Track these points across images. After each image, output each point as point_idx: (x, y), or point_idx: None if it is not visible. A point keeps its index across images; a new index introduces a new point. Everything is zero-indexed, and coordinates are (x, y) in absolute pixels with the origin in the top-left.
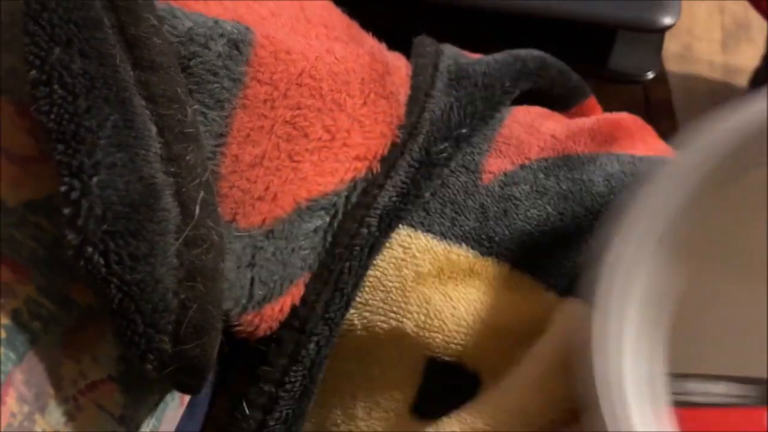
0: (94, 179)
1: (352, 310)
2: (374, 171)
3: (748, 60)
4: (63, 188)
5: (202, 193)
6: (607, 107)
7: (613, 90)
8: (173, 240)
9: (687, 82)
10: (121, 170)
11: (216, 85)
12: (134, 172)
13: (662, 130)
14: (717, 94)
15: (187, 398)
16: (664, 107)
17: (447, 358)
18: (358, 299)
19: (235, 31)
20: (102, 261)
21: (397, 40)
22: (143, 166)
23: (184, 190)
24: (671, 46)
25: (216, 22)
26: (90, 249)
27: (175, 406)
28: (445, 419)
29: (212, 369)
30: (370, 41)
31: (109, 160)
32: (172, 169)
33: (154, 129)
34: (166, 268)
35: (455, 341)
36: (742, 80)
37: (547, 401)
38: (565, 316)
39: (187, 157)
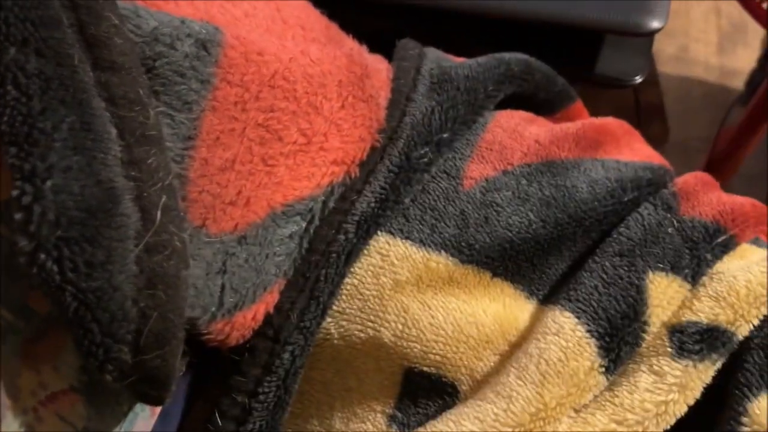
0: (48, 183)
1: (328, 319)
2: (353, 176)
3: (744, 62)
4: (15, 192)
5: (164, 198)
6: (598, 111)
7: (604, 94)
8: (133, 246)
9: (682, 84)
10: (78, 174)
11: (183, 86)
12: (91, 176)
13: (653, 134)
14: (712, 97)
15: (157, 408)
16: (655, 110)
17: (425, 369)
18: (334, 308)
19: (204, 31)
20: (56, 268)
21: (386, 44)
22: (101, 169)
23: (145, 194)
24: (667, 48)
25: (183, 21)
26: (43, 256)
27: (146, 416)
28: (420, 430)
29: (175, 379)
30: (349, 43)
31: (65, 163)
32: (133, 173)
33: (114, 132)
34: (124, 275)
35: (434, 351)
36: (738, 82)
37: (526, 412)
38: (546, 325)
39: (149, 161)
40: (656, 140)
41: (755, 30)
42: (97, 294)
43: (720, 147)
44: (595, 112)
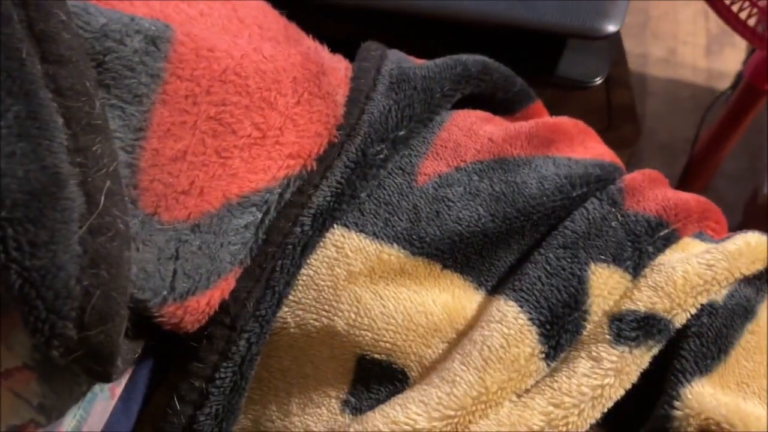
0: None
1: (284, 308)
2: (309, 170)
3: (731, 64)
4: None
5: (108, 183)
6: (569, 113)
7: (575, 96)
8: (77, 228)
9: (670, 86)
10: (21, 159)
11: (133, 80)
12: (36, 161)
13: (624, 134)
14: (700, 99)
15: (118, 390)
16: (626, 111)
17: (376, 356)
18: (290, 297)
19: (153, 27)
20: (0, 247)
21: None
22: (47, 155)
23: (89, 179)
24: (656, 50)
25: (132, 18)
26: None
27: (106, 397)
28: (369, 414)
29: (119, 355)
30: (308, 42)
31: (9, 149)
32: (79, 160)
33: (60, 121)
34: (68, 255)
35: (384, 339)
36: (726, 84)
37: (468, 396)
38: (491, 314)
39: (94, 148)
40: (627, 141)
41: None
42: (41, 272)
43: (700, 147)
44: (565, 114)
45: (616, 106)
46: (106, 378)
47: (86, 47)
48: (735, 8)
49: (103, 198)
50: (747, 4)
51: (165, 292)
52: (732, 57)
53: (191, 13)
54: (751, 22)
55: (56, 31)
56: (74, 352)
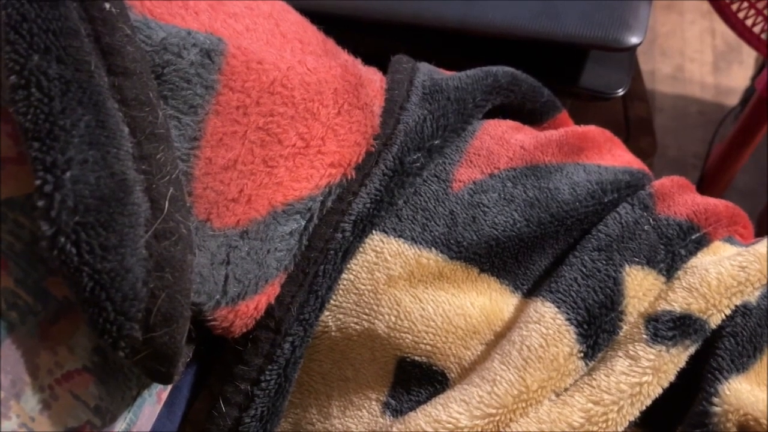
0: (67, 174)
1: (326, 312)
2: (349, 178)
3: (739, 81)
4: (37, 182)
5: (171, 190)
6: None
7: (595, 108)
8: (143, 232)
9: (678, 103)
10: (93, 166)
11: (189, 91)
12: (106, 168)
13: (642, 147)
14: (708, 114)
15: (164, 395)
16: (644, 125)
17: (417, 358)
18: (332, 301)
19: (208, 41)
20: (74, 251)
21: (382, 61)
22: (115, 163)
23: (154, 186)
24: (664, 67)
25: (189, 32)
26: (63, 239)
27: (153, 402)
28: (411, 414)
29: (182, 356)
30: (344, 56)
31: (82, 156)
32: (143, 167)
33: (126, 129)
34: (135, 258)
35: (424, 341)
36: (734, 100)
37: (509, 395)
38: (528, 315)
39: (158, 156)
40: (645, 153)
41: (750, 49)
42: (111, 275)
43: (712, 162)
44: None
45: (634, 118)
46: (168, 379)
47: (147, 60)
48: (741, 15)
49: (167, 204)
50: (752, 12)
51: (218, 296)
52: (740, 73)
53: (238, 28)
54: (757, 29)
55: (121, 44)
56: (139, 353)
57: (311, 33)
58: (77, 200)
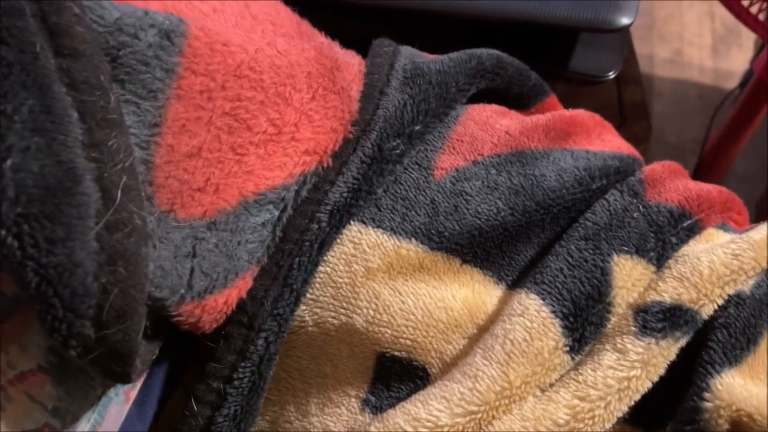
0: (8, 162)
1: (302, 306)
2: (325, 166)
3: (738, 64)
4: None
5: (124, 178)
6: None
7: (587, 93)
8: (93, 224)
9: (677, 87)
10: (37, 154)
11: (147, 75)
12: (51, 156)
13: (636, 132)
14: (707, 99)
15: (133, 394)
16: (638, 109)
17: (396, 353)
18: (308, 295)
19: (167, 21)
20: (16, 244)
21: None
22: (62, 150)
23: (105, 175)
24: (662, 52)
25: (146, 12)
26: (3, 232)
27: (120, 401)
28: (390, 412)
29: (137, 355)
30: (320, 38)
31: (24, 144)
32: (94, 155)
33: (75, 115)
34: (85, 251)
35: (404, 336)
36: (733, 84)
37: (491, 391)
38: (512, 307)
39: (110, 143)
40: (639, 138)
41: (749, 32)
42: (58, 269)
43: (711, 147)
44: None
45: (628, 103)
46: (125, 378)
47: (100, 41)
48: (746, 2)
49: (119, 193)
50: None
51: (182, 291)
52: (739, 57)
53: (204, 9)
54: (754, 11)
55: (70, 24)
56: (92, 351)
57: (284, 14)
58: (18, 190)
